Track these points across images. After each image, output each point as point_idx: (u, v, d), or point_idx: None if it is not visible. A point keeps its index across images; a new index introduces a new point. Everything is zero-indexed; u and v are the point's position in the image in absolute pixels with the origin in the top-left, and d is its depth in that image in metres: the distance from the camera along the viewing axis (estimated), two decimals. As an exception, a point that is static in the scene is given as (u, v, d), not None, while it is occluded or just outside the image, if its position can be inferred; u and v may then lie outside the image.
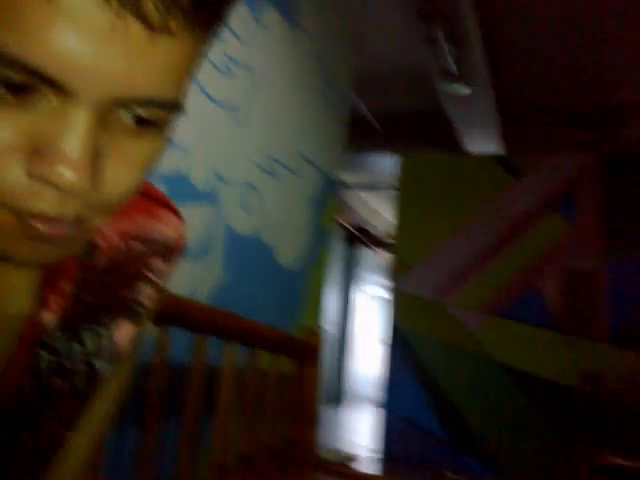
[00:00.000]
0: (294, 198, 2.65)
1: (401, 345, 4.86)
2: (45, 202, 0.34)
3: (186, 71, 0.36)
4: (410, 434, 4.70)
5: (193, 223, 1.93)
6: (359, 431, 6.50)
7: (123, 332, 0.54)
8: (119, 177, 0.36)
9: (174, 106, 0.36)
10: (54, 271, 0.48)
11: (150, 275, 0.55)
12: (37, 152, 0.33)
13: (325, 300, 3.07)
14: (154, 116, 0.36)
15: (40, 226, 0.35)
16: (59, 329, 0.49)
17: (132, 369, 0.60)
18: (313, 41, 2.72)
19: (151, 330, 1.34)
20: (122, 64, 0.32)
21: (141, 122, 0.36)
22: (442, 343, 4.73)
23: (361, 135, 5.51)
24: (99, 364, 0.52)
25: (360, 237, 9.43)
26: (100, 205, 0.37)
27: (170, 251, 0.57)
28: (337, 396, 9.01)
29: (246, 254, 2.27)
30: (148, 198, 0.55)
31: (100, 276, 0.51)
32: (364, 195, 7.98)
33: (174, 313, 1.38)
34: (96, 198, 0.36)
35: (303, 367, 2.13)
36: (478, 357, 4.60)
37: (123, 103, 0.34)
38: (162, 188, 1.78)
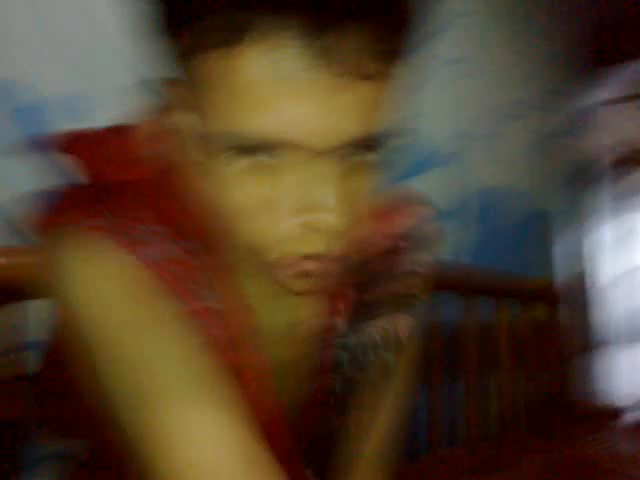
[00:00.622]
0: (540, 136, 2.50)
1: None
2: (312, 245, 0.41)
3: (396, 98, 0.40)
4: None
5: (444, 186, 1.96)
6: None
7: (402, 323, 0.60)
8: (359, 207, 0.42)
9: (391, 134, 0.41)
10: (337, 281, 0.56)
11: (414, 267, 0.61)
12: (300, 204, 0.40)
13: (591, 235, 2.86)
14: (374, 147, 0.41)
15: (309, 266, 0.42)
16: (349, 329, 0.58)
17: (416, 357, 0.67)
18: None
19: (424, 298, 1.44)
20: (341, 115, 0.37)
21: (366, 155, 0.41)
22: None
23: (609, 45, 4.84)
24: (387, 355, 0.60)
25: (628, 158, 8.37)
26: (345, 233, 0.43)
27: (426, 241, 0.62)
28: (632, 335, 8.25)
29: (499, 206, 2.22)
30: (395, 199, 0.62)
31: (372, 277, 0.59)
32: (621, 109, 7.04)
33: (443, 278, 1.44)
34: (344, 230, 0.42)
35: (573, 313, 2.06)
36: None
37: (351, 144, 0.39)
38: (410, 162, 1.82)
